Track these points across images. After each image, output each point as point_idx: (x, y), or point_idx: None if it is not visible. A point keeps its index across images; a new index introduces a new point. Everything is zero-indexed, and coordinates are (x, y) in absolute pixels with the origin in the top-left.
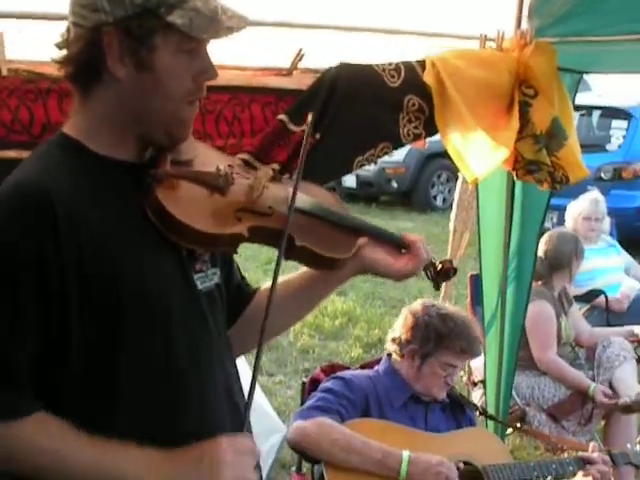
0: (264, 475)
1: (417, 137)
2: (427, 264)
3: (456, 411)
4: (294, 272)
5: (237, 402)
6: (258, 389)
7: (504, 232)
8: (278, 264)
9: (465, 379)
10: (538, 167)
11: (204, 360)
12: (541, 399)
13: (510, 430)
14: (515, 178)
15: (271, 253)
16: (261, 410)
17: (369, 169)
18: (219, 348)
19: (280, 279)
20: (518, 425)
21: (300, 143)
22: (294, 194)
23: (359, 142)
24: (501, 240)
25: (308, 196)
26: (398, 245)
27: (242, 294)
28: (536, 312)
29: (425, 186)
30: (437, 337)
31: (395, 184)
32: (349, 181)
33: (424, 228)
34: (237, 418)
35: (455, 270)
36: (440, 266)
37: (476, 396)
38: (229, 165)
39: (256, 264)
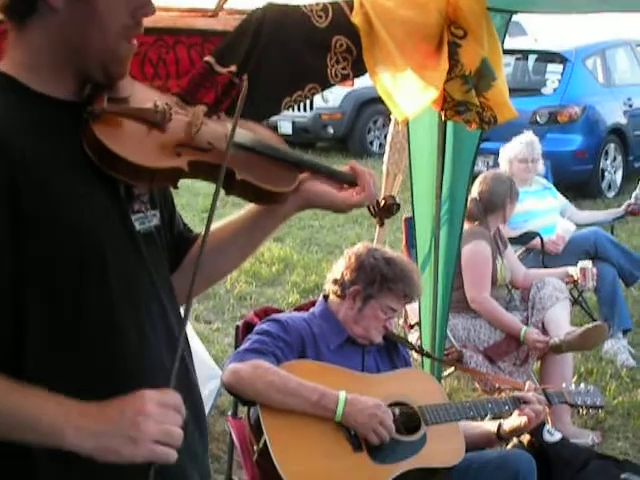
0: None
1: (345, 78)
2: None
3: (392, 352)
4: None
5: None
6: (196, 337)
7: (436, 174)
8: (215, 197)
9: (402, 322)
10: (466, 108)
11: (142, 302)
12: (477, 341)
13: (447, 372)
14: (443, 118)
15: (207, 202)
16: (198, 357)
17: (305, 115)
18: (159, 291)
19: (222, 220)
20: (454, 366)
21: (226, 84)
22: (233, 128)
23: (287, 83)
24: (433, 182)
25: (250, 131)
26: (345, 181)
27: (184, 239)
28: (473, 251)
29: (361, 132)
30: (382, 280)
31: (331, 130)
32: (285, 127)
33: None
34: (180, 365)
35: (398, 206)
36: (383, 202)
37: (412, 339)
38: (166, 103)
39: (192, 213)
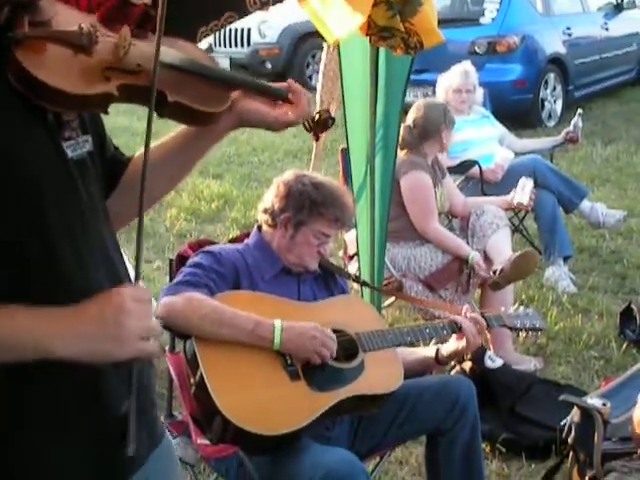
0: None
1: (264, 5)
2: None
3: (328, 281)
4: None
5: (119, 272)
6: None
7: (369, 102)
8: (149, 122)
9: (341, 253)
10: (391, 33)
11: (79, 227)
12: (417, 269)
13: (387, 302)
14: (369, 44)
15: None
16: None
17: (242, 51)
18: (95, 218)
19: (156, 142)
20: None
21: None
22: (157, 48)
23: (202, 12)
24: (366, 110)
25: (180, 51)
26: (277, 96)
27: (117, 162)
28: (413, 182)
29: (300, 66)
30: (311, 205)
31: (269, 65)
32: (222, 64)
33: None
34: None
35: (333, 119)
36: (318, 116)
37: (352, 270)
38: (91, 25)
39: (130, 154)
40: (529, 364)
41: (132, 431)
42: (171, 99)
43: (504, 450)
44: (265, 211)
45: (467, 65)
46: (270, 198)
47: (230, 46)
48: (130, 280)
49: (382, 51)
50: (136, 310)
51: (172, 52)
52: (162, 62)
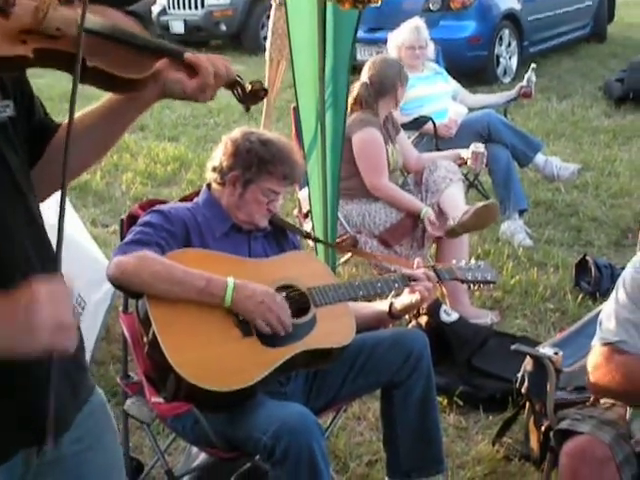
0: (99, 322)
1: None
2: (233, 83)
3: (280, 238)
4: None
5: (44, 239)
6: (90, 239)
7: (318, 58)
8: (74, 90)
9: (296, 212)
10: None
11: (1, 195)
12: (372, 225)
13: (343, 259)
14: None
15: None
16: (94, 260)
17: (196, 13)
18: (16, 181)
19: (82, 111)
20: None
21: None
22: (83, 13)
23: None
24: (315, 66)
25: (103, 18)
26: (176, 56)
27: (45, 129)
28: (364, 139)
29: (254, 28)
30: (259, 162)
31: (224, 27)
32: (177, 27)
33: (255, 71)
34: (47, 257)
35: (265, 91)
36: (249, 87)
37: (307, 228)
38: None
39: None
40: (486, 318)
41: (51, 423)
42: (90, 64)
43: (461, 403)
44: (214, 169)
45: (418, 21)
46: (218, 156)
47: (184, 8)
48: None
49: (329, 6)
50: (50, 302)
51: (93, 18)
52: (83, 27)
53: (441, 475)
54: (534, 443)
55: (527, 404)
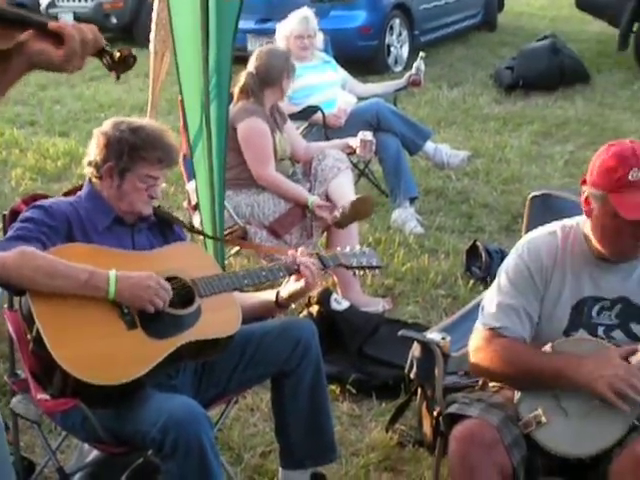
0: None
1: None
2: (101, 51)
3: (164, 229)
4: None
5: None
6: None
7: (201, 48)
8: None
9: (186, 204)
10: None
11: None
12: (261, 216)
13: (233, 251)
14: None
15: None
16: None
17: (86, 5)
18: None
19: None
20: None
21: None
22: None
23: None
24: (198, 57)
25: None
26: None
27: None
28: (249, 129)
29: (146, 20)
30: (131, 150)
31: (114, 20)
32: (66, 19)
33: (147, 64)
34: None
35: (134, 58)
36: (118, 54)
37: (197, 220)
38: None
39: None
40: (377, 305)
41: None
42: None
43: (354, 391)
44: (89, 164)
45: (306, 11)
46: (92, 150)
47: (74, 0)
48: None
49: None
50: None
51: None
52: None
53: (335, 463)
54: (427, 428)
55: (419, 390)
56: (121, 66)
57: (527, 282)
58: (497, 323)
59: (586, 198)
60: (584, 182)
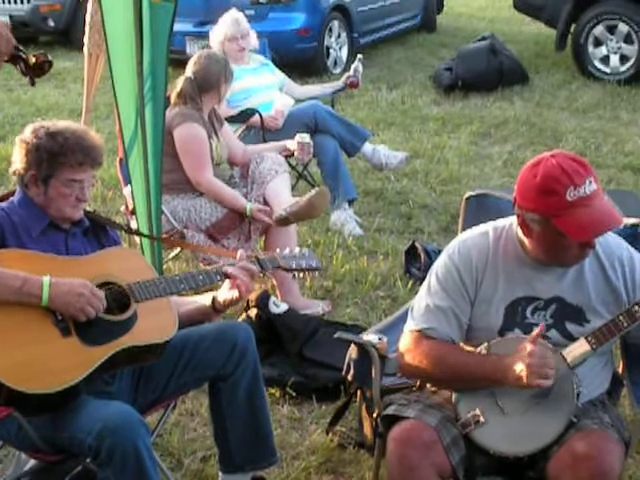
0: None
1: None
2: (15, 57)
3: (99, 234)
4: None
5: None
6: None
7: (135, 51)
8: None
9: (124, 209)
10: None
11: None
12: (199, 220)
13: (172, 254)
14: None
15: None
16: None
17: (22, 8)
18: None
19: None
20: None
21: None
22: None
23: None
24: (132, 60)
25: None
26: None
27: None
28: (186, 135)
29: (84, 23)
30: (50, 157)
31: (52, 23)
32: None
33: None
34: None
35: (50, 63)
36: (33, 60)
37: (135, 225)
38: None
39: None
40: (317, 308)
41: None
42: None
43: (294, 394)
44: (14, 173)
45: (235, 13)
46: (16, 158)
47: (9, 2)
48: None
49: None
50: None
51: None
52: None
53: (275, 466)
54: (367, 430)
55: (359, 392)
56: (36, 71)
57: (456, 284)
58: (425, 324)
59: (523, 221)
60: (515, 203)
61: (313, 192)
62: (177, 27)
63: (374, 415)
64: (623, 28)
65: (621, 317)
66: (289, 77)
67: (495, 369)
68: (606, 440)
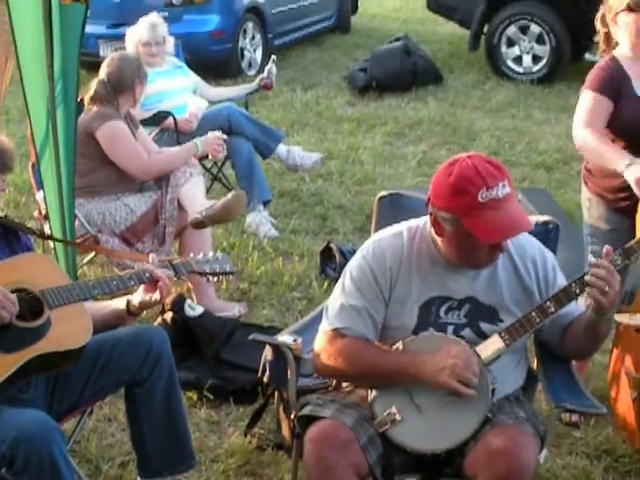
0: None
1: None
2: None
3: (11, 240)
4: None
5: None
6: None
7: (45, 53)
8: None
9: (37, 214)
10: None
11: None
12: (113, 224)
13: (86, 259)
14: None
15: None
16: None
17: None
18: None
19: None
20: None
21: None
22: None
23: None
24: (42, 62)
25: None
26: None
27: None
28: (112, 132)
29: None
30: None
31: None
32: None
33: None
34: None
35: None
36: None
37: (48, 230)
38: None
39: None
40: (233, 310)
41: None
42: None
43: (212, 397)
44: None
45: (154, 17)
46: None
47: None
48: None
49: (54, 1)
50: None
51: None
52: None
53: (194, 470)
54: (285, 431)
55: (276, 393)
56: None
57: (370, 284)
58: (340, 324)
59: (435, 219)
60: (429, 201)
61: (229, 196)
62: (90, 29)
63: (291, 416)
64: (535, 29)
65: (533, 313)
66: (203, 79)
67: (411, 364)
68: (521, 435)
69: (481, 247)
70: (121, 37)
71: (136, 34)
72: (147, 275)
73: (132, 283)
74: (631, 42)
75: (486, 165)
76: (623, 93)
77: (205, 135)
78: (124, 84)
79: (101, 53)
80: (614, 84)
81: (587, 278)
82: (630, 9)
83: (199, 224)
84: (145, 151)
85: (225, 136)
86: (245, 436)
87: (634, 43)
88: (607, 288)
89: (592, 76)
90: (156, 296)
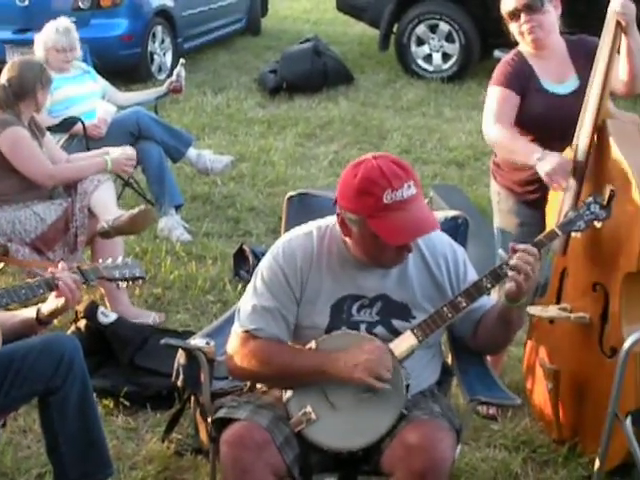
0: None
1: None
2: None
3: None
4: None
5: None
6: None
7: None
8: None
9: None
10: None
11: None
12: (23, 233)
13: None
14: None
15: None
16: None
17: None
18: None
19: None
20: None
21: None
22: None
23: None
24: None
25: None
26: None
27: None
28: (12, 139)
29: None
30: None
31: None
32: None
33: None
34: None
35: None
36: None
37: None
38: None
39: None
40: (148, 318)
41: None
42: None
43: (128, 404)
44: None
45: (65, 22)
46: None
47: None
48: None
49: None
50: None
51: None
52: None
53: (111, 478)
54: (203, 435)
55: (192, 397)
56: None
57: (281, 285)
58: (252, 325)
59: (342, 220)
60: (335, 202)
61: (136, 210)
62: None
63: (210, 420)
64: (444, 27)
65: (445, 308)
66: (113, 84)
67: (324, 362)
68: (437, 429)
69: (388, 247)
70: (28, 42)
71: (49, 39)
72: (55, 282)
73: (41, 291)
74: (527, 44)
75: (392, 166)
76: (529, 87)
77: (115, 151)
78: (25, 89)
79: (8, 59)
80: (520, 78)
81: (514, 262)
82: (510, 19)
83: (105, 234)
84: (52, 159)
85: (134, 152)
86: (163, 442)
87: (529, 44)
88: (532, 273)
89: (498, 71)
90: (61, 301)
